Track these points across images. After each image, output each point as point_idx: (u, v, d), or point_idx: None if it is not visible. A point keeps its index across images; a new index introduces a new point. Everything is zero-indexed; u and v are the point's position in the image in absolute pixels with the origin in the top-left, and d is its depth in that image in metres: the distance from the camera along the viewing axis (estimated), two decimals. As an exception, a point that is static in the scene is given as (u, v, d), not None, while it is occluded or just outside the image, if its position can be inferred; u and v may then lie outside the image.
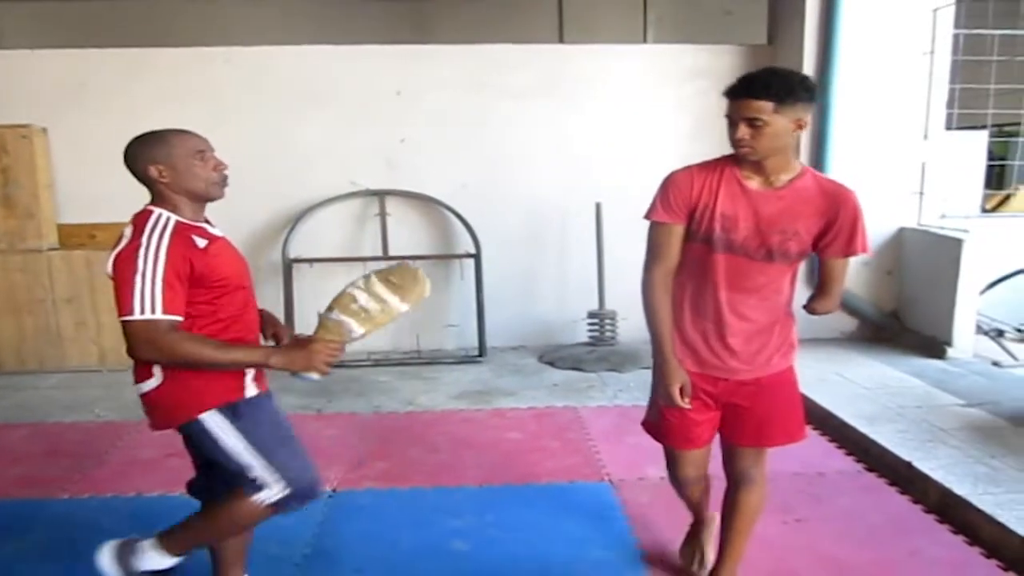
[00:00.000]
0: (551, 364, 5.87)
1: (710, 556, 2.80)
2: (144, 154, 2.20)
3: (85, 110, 5.96)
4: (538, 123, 6.24)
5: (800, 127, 2.22)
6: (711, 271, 2.35)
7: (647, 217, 2.45)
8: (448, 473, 3.87)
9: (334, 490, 3.68)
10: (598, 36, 6.58)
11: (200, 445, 2.31)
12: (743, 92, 2.20)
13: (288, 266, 5.97)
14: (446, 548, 3.11)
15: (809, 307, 2.44)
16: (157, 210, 2.19)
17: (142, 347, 2.07)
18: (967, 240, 5.31)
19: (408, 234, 6.29)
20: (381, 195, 6.15)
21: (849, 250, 2.30)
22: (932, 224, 5.89)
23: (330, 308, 2.23)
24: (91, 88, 5.97)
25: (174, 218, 2.18)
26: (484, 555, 3.06)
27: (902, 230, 5.93)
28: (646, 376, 5.44)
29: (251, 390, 2.33)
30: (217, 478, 2.37)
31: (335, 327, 2.19)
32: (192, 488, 2.64)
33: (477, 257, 6.07)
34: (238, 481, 2.28)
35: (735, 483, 2.57)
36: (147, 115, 5.86)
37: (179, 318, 2.08)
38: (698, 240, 2.36)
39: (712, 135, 6.28)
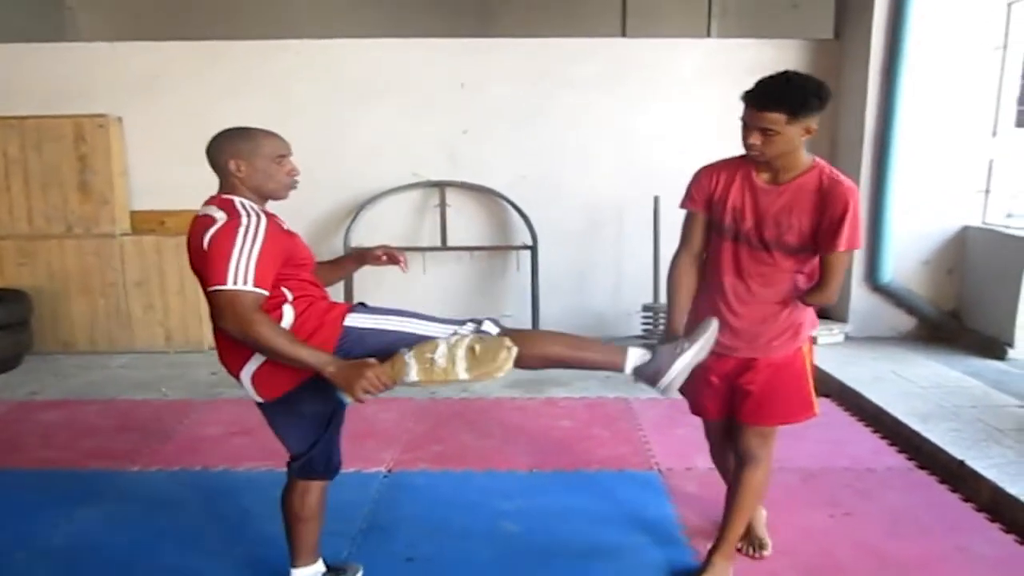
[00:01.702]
0: (604, 356, 5.91)
1: (767, 539, 2.95)
2: (229, 148, 2.29)
3: (158, 101, 6.19)
4: (599, 116, 6.29)
5: (809, 133, 2.32)
6: (721, 257, 2.54)
7: (680, 206, 2.68)
8: (499, 458, 3.96)
9: (389, 470, 3.80)
10: (661, 30, 6.56)
11: (287, 415, 2.44)
12: (759, 103, 2.31)
13: (349, 254, 6.11)
14: (496, 529, 3.20)
15: (802, 298, 2.51)
16: (237, 197, 2.27)
17: (226, 316, 2.09)
18: (1033, 239, 5.19)
19: (467, 225, 6.40)
20: (441, 186, 6.27)
21: (832, 246, 2.35)
22: (997, 223, 5.77)
23: (410, 347, 2.22)
24: (164, 80, 6.20)
25: (248, 203, 2.27)
26: (532, 537, 3.14)
27: (966, 228, 5.82)
28: (699, 370, 5.46)
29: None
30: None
31: (399, 364, 2.18)
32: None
33: (534, 249, 6.15)
34: (298, 459, 2.49)
35: (739, 460, 2.70)
36: (216, 107, 6.16)
37: (264, 292, 2.12)
38: (715, 230, 2.57)
39: (772, 130, 6.28)
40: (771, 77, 2.34)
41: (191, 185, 6.13)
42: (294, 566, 2.63)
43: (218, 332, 2.24)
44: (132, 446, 4.11)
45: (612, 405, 4.77)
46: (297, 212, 6.12)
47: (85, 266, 6.05)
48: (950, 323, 5.92)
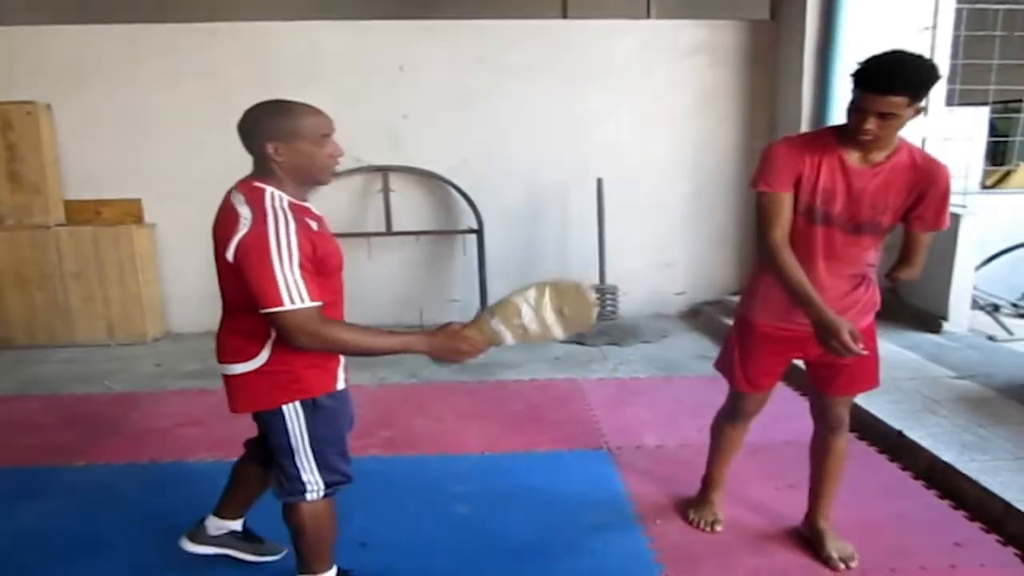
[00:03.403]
0: (553, 338, 5.95)
1: (721, 515, 3.03)
2: (266, 128, 2.10)
3: (88, 87, 6.03)
4: (540, 98, 6.30)
5: (918, 112, 2.25)
6: (810, 242, 2.45)
7: (753, 187, 2.48)
8: (451, 441, 3.97)
9: (340, 457, 3.77)
10: (602, 11, 6.59)
11: (270, 433, 2.30)
12: (884, 87, 2.16)
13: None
14: (449, 512, 3.22)
15: (892, 275, 2.55)
16: (268, 188, 2.11)
17: (299, 337, 2.01)
18: (964, 216, 5.36)
19: (412, 209, 6.37)
20: (384, 171, 6.23)
21: (936, 224, 2.41)
22: (930, 200, 5.92)
23: (492, 313, 2.22)
24: (92, 65, 6.02)
25: (286, 198, 2.11)
26: (486, 519, 3.16)
27: (901, 205, 5.97)
28: (646, 350, 5.59)
29: (341, 383, 2.33)
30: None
31: (490, 331, 2.20)
32: (248, 446, 2.74)
33: (480, 232, 6.15)
34: (284, 477, 2.31)
35: (828, 429, 2.77)
36: (148, 92, 6.02)
37: (321, 303, 2.04)
38: (800, 212, 2.44)
39: (713, 111, 6.38)
40: (884, 57, 2.20)
41: (126, 173, 6.08)
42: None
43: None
44: (77, 441, 4.02)
45: (562, 386, 4.82)
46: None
47: (19, 258, 5.87)
48: (888, 298, 6.05)
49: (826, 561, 2.76)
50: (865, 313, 2.59)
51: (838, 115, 5.78)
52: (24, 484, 3.51)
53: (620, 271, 6.23)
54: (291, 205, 2.09)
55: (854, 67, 2.26)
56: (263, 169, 2.14)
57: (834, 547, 2.78)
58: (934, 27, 5.79)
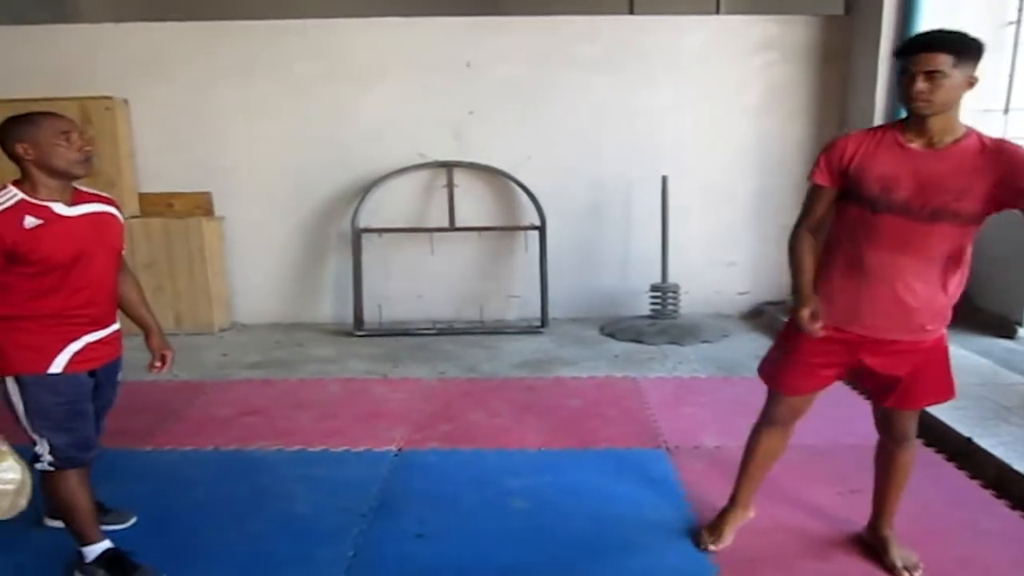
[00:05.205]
0: (612, 336, 5.94)
1: (728, 539, 2.88)
2: (12, 133, 2.41)
3: (162, 82, 6.19)
4: (606, 95, 6.27)
5: (971, 85, 2.24)
6: (869, 231, 2.39)
7: (808, 178, 2.58)
8: (509, 436, 3.99)
9: (400, 449, 3.83)
10: (670, 7, 6.52)
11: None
12: (923, 47, 2.22)
13: (357, 236, 6.14)
14: (505, 505, 3.23)
15: None
16: (10, 189, 2.42)
17: None
18: (1044, 218, 5.16)
19: (474, 205, 6.40)
20: (449, 166, 6.27)
21: None
22: (1009, 201, 5.73)
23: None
24: (168, 61, 6.19)
25: (19, 197, 2.41)
26: (541, 513, 3.16)
27: (976, 207, 5.79)
28: (707, 349, 5.53)
29: (57, 367, 2.52)
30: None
31: None
32: None
33: (542, 229, 6.15)
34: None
35: (893, 441, 2.70)
36: (219, 87, 6.17)
37: None
38: (855, 201, 2.41)
39: (781, 108, 6.27)
40: (928, 30, 2.31)
41: (198, 167, 6.25)
42: None
43: None
44: (145, 426, 4.14)
45: (620, 384, 4.79)
46: (304, 194, 6.21)
47: (95, 249, 6.05)
48: (959, 302, 5.88)
49: (890, 569, 2.70)
50: (938, 324, 2.48)
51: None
52: (96, 465, 3.62)
53: (682, 269, 6.16)
54: (19, 203, 2.40)
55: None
56: (22, 171, 2.45)
57: (899, 555, 2.71)
58: (1018, 22, 5.58)
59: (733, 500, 2.92)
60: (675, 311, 6.13)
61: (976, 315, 5.68)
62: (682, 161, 6.18)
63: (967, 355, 4.85)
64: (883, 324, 2.44)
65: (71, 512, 2.66)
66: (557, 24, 6.22)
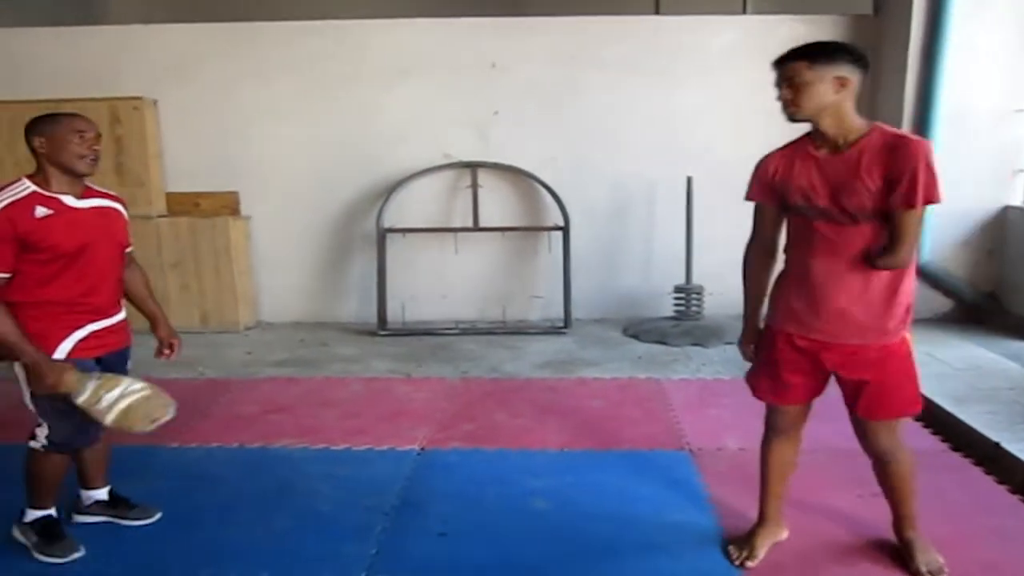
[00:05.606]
0: (635, 337, 5.93)
1: (760, 555, 2.81)
2: (34, 128, 2.60)
3: (190, 83, 6.27)
4: (631, 95, 6.26)
5: (843, 86, 2.33)
6: (809, 238, 2.48)
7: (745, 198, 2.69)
8: (531, 436, 3.99)
9: (422, 448, 3.84)
10: (696, 6, 6.49)
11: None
12: (779, 60, 2.41)
13: (382, 235, 6.17)
14: (526, 505, 3.23)
15: (872, 260, 2.39)
16: (23, 182, 2.58)
17: None
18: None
19: (498, 206, 6.42)
20: (473, 167, 6.29)
21: (909, 200, 2.25)
22: (1039, 203, 5.67)
23: (100, 376, 2.69)
24: (195, 61, 6.27)
25: (31, 189, 2.57)
26: (563, 513, 3.16)
27: (1006, 209, 5.73)
28: (731, 351, 5.49)
29: (61, 354, 2.65)
30: None
31: (81, 385, 2.61)
32: None
33: (566, 230, 6.15)
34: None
35: (874, 458, 2.70)
36: (245, 88, 6.22)
37: (8, 275, 2.53)
38: (793, 212, 2.53)
39: (807, 109, 6.20)
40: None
41: (224, 166, 6.31)
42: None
43: None
44: (171, 423, 4.17)
45: (643, 386, 4.78)
46: (329, 193, 6.24)
47: (123, 248, 6.13)
48: (989, 304, 5.84)
49: (915, 574, 2.67)
50: (897, 325, 2.44)
51: (943, 114, 5.57)
52: (122, 462, 3.66)
53: (705, 271, 6.13)
54: (32, 194, 2.56)
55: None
56: (37, 163, 2.63)
57: (923, 560, 2.68)
58: (1048, 21, 5.51)
59: (761, 516, 2.89)
60: (699, 312, 6.10)
61: (1005, 318, 5.62)
62: (707, 162, 6.15)
63: (996, 359, 4.80)
64: (833, 329, 2.47)
65: (37, 480, 2.82)
66: (583, 24, 6.22)
